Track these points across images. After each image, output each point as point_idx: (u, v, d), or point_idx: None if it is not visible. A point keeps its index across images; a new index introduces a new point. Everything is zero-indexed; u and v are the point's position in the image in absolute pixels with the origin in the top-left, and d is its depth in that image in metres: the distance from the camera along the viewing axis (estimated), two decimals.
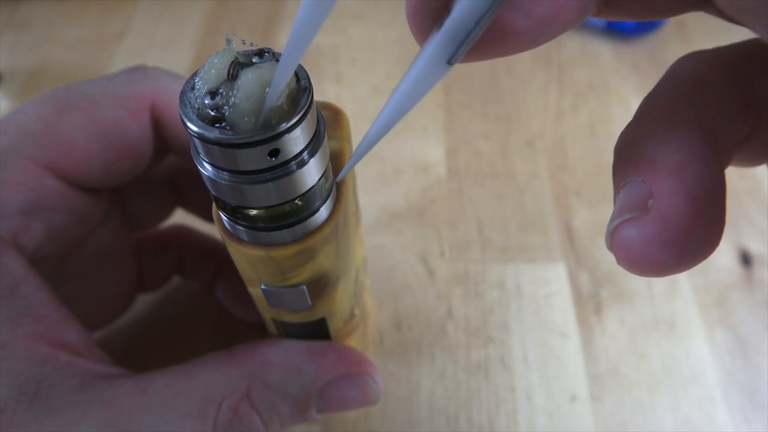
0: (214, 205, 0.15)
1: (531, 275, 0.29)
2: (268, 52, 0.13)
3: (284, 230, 0.14)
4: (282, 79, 0.11)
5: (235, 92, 0.12)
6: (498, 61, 0.39)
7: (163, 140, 0.20)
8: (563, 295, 0.28)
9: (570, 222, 0.31)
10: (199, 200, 0.24)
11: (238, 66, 0.12)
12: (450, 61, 0.10)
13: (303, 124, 0.12)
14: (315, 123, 0.13)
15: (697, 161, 0.11)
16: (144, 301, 0.27)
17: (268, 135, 0.12)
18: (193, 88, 0.12)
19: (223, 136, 0.11)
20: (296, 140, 0.12)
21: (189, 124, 0.12)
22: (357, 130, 0.15)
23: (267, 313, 0.18)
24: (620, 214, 0.11)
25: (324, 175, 0.14)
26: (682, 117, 0.12)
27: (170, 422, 0.16)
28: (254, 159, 0.12)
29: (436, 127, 0.35)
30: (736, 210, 0.31)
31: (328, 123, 0.16)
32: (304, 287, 0.16)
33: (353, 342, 0.21)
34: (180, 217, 0.26)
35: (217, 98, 0.12)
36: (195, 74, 0.12)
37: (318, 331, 0.19)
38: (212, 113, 0.12)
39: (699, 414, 0.25)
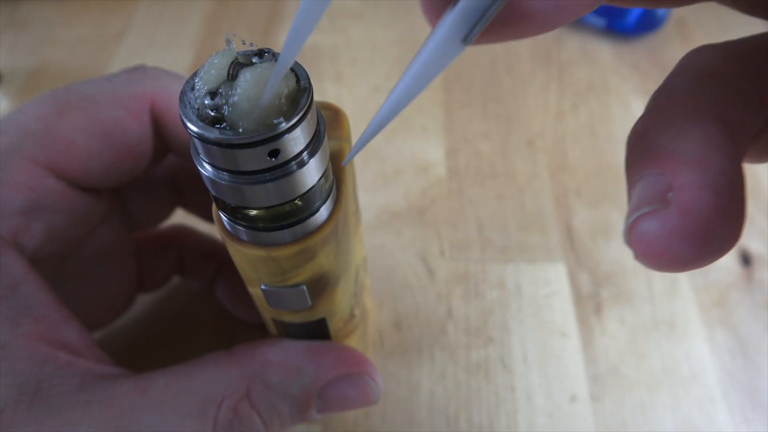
0: (214, 205, 0.15)
1: (531, 275, 0.29)
2: (268, 52, 0.13)
3: (284, 230, 0.14)
4: (283, 66, 0.11)
5: (234, 92, 0.12)
6: (498, 60, 0.39)
7: (163, 140, 0.20)
8: (563, 295, 0.28)
9: (570, 222, 0.31)
10: (199, 200, 0.24)
11: (237, 66, 0.12)
12: (465, 40, 0.10)
13: (303, 125, 0.12)
14: (315, 123, 0.13)
15: (717, 153, 0.11)
16: (144, 301, 0.27)
17: (268, 135, 0.12)
18: (193, 89, 0.12)
19: (223, 137, 0.11)
20: (296, 140, 0.12)
21: (189, 125, 0.12)
22: (357, 130, 0.15)
23: (267, 313, 0.18)
24: (638, 207, 0.11)
25: (324, 175, 0.14)
26: (700, 109, 0.11)
27: (170, 422, 0.16)
28: (254, 159, 0.12)
29: (435, 126, 0.35)
30: None
31: (328, 123, 0.16)
32: (304, 287, 0.16)
33: (353, 342, 0.21)
34: (180, 217, 0.26)
35: (217, 98, 0.12)
36: (195, 74, 0.12)
37: (318, 331, 0.19)
38: (212, 113, 0.12)
39: (699, 414, 0.25)
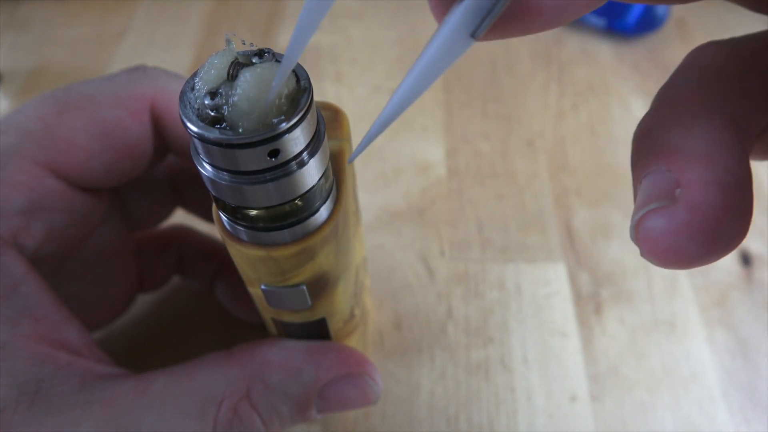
0: (214, 205, 0.15)
1: (531, 275, 0.29)
2: (268, 52, 0.13)
3: (284, 230, 0.14)
4: (288, 66, 0.11)
5: (234, 92, 0.12)
6: (498, 60, 0.39)
7: (163, 140, 0.20)
8: (563, 295, 0.28)
9: (570, 222, 0.31)
10: (199, 200, 0.24)
11: (237, 66, 0.12)
12: (474, 35, 0.10)
13: (303, 125, 0.12)
14: (315, 123, 0.13)
15: (725, 150, 0.11)
16: (144, 301, 0.27)
17: (268, 135, 0.12)
18: (193, 89, 0.12)
19: (223, 137, 0.11)
20: (296, 140, 0.12)
21: (189, 125, 0.12)
22: (357, 130, 0.15)
23: (267, 313, 0.18)
24: (645, 204, 0.11)
25: (324, 175, 0.14)
26: (706, 105, 0.11)
27: (170, 422, 0.16)
28: (254, 159, 0.12)
29: (436, 126, 0.35)
30: None
31: (328, 123, 0.16)
32: (304, 287, 0.16)
33: (353, 342, 0.21)
34: (180, 217, 0.26)
35: (217, 98, 0.12)
36: (195, 74, 0.12)
37: (318, 331, 0.19)
38: (212, 113, 0.12)
39: (699, 414, 0.25)
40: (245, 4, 0.43)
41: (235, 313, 0.26)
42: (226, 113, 0.12)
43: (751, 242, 0.30)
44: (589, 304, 0.28)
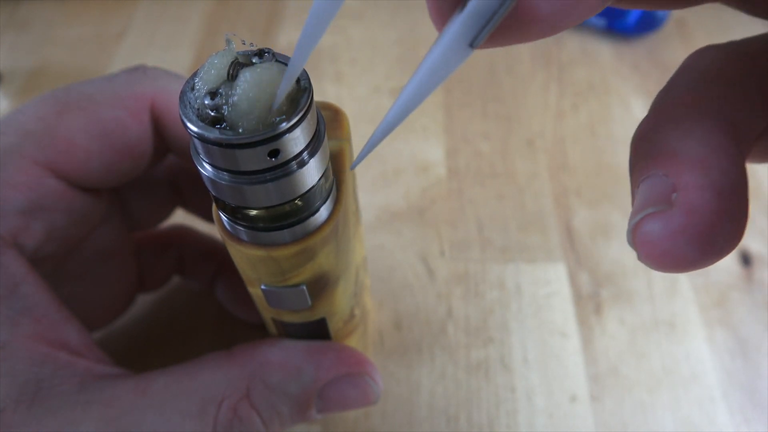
0: (214, 205, 0.15)
1: (531, 275, 0.29)
2: (268, 52, 0.13)
3: (284, 230, 0.14)
4: (296, 69, 0.11)
5: (234, 92, 0.12)
6: (498, 60, 0.39)
7: (163, 140, 0.20)
8: (563, 295, 0.28)
9: (570, 222, 0.31)
10: (199, 200, 0.24)
11: (237, 66, 0.12)
12: (472, 44, 0.10)
13: (303, 125, 0.12)
14: (315, 123, 0.13)
15: (721, 154, 0.11)
16: (144, 301, 0.27)
17: (268, 135, 0.12)
18: (193, 89, 0.12)
19: (223, 137, 0.11)
20: (296, 140, 0.12)
21: (189, 125, 0.12)
22: (357, 130, 0.15)
23: (267, 313, 0.18)
24: (642, 208, 0.11)
25: (324, 175, 0.14)
26: (704, 109, 0.11)
27: (170, 422, 0.16)
28: (254, 159, 0.12)
29: (436, 127, 0.35)
30: None
31: (328, 123, 0.16)
32: (304, 287, 0.16)
33: (353, 342, 0.21)
34: (180, 217, 0.26)
35: (217, 98, 0.12)
36: (195, 74, 0.12)
37: (318, 331, 0.19)
38: (212, 113, 0.12)
39: (699, 414, 0.25)
40: (245, 4, 0.43)
41: (235, 313, 0.26)
42: (226, 113, 0.12)
43: (751, 242, 0.30)
44: (589, 304, 0.28)
